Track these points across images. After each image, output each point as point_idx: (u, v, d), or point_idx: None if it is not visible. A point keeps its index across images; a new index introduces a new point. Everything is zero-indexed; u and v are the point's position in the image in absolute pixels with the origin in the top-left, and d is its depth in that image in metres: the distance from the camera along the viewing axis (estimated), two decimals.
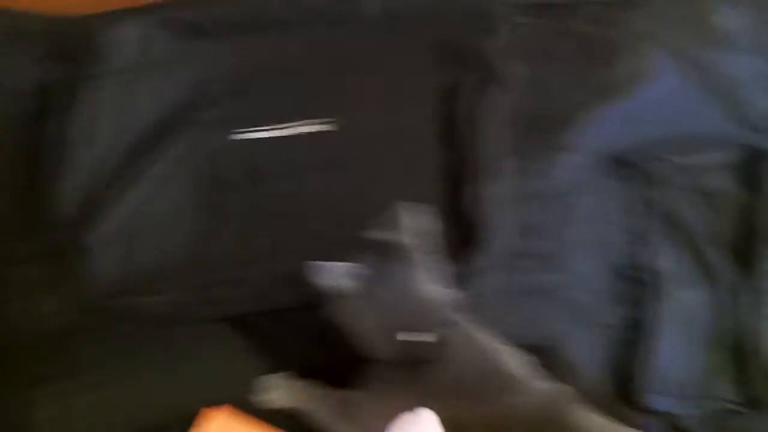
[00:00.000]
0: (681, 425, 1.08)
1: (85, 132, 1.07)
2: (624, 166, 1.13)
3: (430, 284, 0.94)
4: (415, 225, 0.94)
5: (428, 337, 0.93)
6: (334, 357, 0.98)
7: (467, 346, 0.94)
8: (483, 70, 1.10)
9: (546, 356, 1.04)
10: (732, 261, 1.12)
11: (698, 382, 1.08)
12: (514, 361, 0.96)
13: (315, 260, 0.93)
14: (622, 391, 1.07)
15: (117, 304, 1.03)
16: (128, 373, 1.04)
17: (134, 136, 1.08)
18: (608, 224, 1.11)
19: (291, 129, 1.09)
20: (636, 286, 1.10)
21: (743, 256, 1.12)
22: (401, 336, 0.93)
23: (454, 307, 0.95)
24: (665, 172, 1.13)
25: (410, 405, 0.87)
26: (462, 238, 1.05)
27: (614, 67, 1.14)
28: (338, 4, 1.13)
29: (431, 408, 0.87)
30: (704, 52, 1.15)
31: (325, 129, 1.09)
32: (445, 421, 0.88)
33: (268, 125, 1.09)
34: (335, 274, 0.92)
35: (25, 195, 1.08)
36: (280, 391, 1.00)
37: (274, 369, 1.02)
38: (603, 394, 1.06)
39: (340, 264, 0.93)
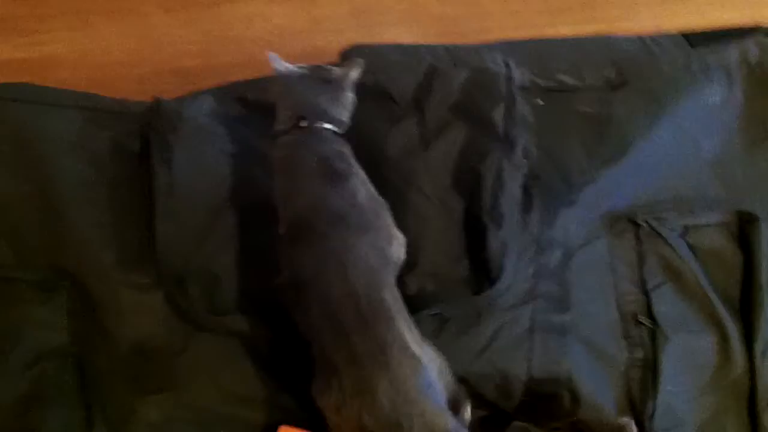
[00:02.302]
0: None
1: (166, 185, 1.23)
2: (629, 223, 1.25)
3: None
4: None
5: None
6: None
7: None
8: (492, 133, 1.24)
9: (565, 388, 1.13)
10: (735, 312, 1.22)
11: (708, 420, 1.15)
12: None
13: None
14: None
15: (207, 323, 1.17)
16: (218, 387, 1.16)
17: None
18: (615, 273, 1.22)
19: None
20: (643, 330, 1.18)
21: (744, 307, 1.22)
22: None
23: None
24: (666, 229, 1.25)
25: None
26: (481, 274, 1.17)
27: (612, 136, 1.28)
28: None
29: None
30: (691, 124, 1.31)
31: None
32: None
33: None
34: None
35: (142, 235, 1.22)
36: None
37: None
38: (617, 428, 1.12)
39: None
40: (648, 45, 1.41)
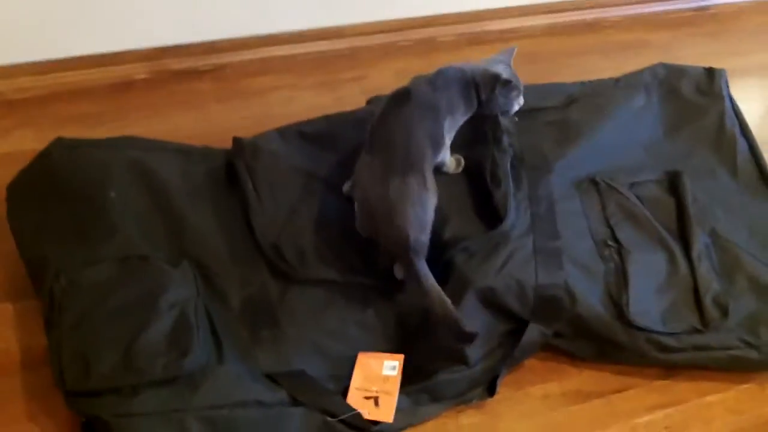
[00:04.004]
0: (662, 342, 1.56)
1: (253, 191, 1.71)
2: (591, 183, 1.77)
3: None
4: None
5: None
6: None
7: None
8: (487, 140, 1.78)
9: (563, 290, 1.57)
10: (676, 236, 1.70)
11: (668, 309, 1.60)
12: None
13: None
14: (617, 315, 1.58)
15: (300, 275, 1.62)
16: (311, 323, 1.58)
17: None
18: (586, 216, 1.71)
19: None
20: (612, 250, 1.66)
21: (681, 232, 1.71)
22: None
23: None
24: (618, 185, 1.76)
25: None
26: (493, 218, 1.65)
27: (569, 130, 1.81)
28: None
29: None
30: (625, 120, 1.86)
31: None
32: None
33: None
34: None
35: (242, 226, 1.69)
36: None
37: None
38: (604, 317, 1.57)
39: None
40: (587, 83, 1.98)
